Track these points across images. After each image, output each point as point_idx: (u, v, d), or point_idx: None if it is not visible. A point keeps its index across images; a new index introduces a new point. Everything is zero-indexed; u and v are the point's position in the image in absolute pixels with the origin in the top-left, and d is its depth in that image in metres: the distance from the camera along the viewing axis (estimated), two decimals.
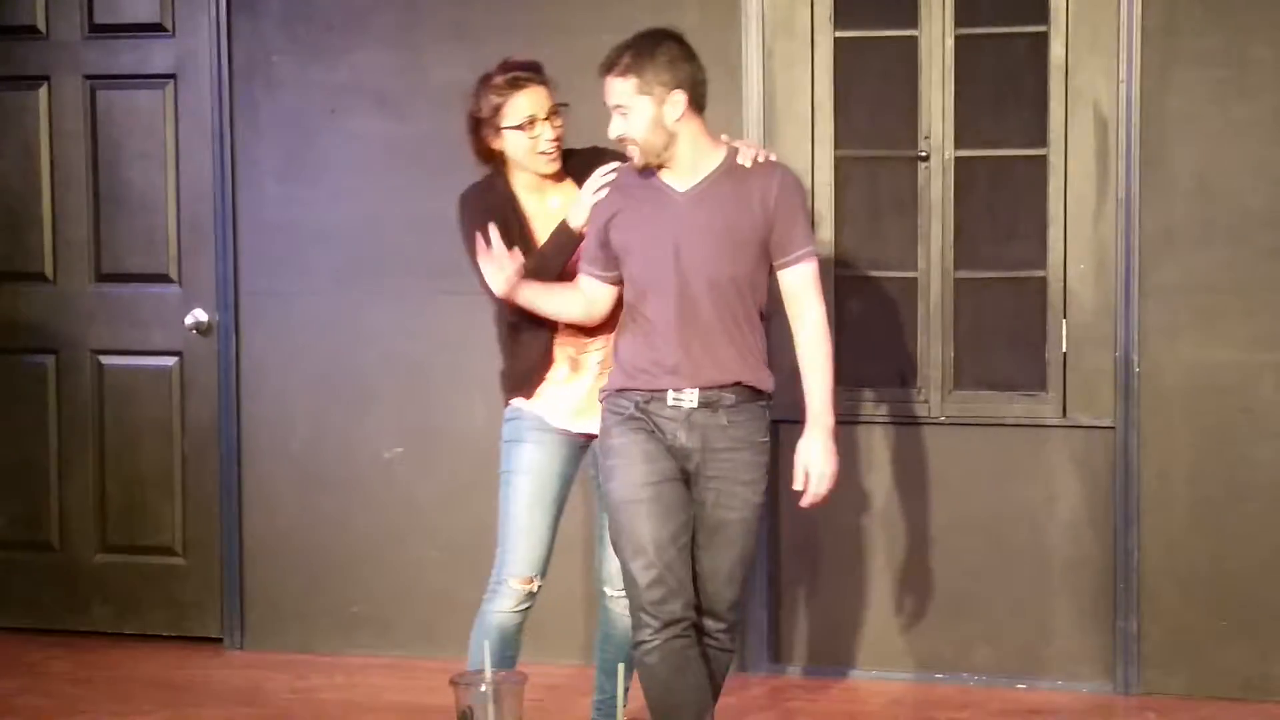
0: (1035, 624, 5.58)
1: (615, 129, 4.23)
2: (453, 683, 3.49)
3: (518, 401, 4.55)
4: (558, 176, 4.56)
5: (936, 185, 5.56)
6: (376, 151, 5.97)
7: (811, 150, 5.65)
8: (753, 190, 4.20)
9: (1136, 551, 5.44)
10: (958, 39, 5.53)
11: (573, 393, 4.53)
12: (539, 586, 4.54)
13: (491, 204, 4.49)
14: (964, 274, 5.58)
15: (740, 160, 4.25)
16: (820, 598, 5.75)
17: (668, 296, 4.22)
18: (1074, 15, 5.44)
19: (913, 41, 5.57)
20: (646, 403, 4.24)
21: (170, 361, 6.25)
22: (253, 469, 6.14)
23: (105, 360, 6.33)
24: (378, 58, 5.95)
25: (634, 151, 4.23)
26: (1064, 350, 5.51)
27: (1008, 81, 5.57)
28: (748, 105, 5.65)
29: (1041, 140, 5.49)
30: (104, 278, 6.32)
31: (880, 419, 5.66)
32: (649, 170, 4.26)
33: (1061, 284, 5.49)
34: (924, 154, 5.57)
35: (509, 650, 4.51)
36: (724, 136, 4.35)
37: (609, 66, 4.23)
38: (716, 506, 4.26)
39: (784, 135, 5.66)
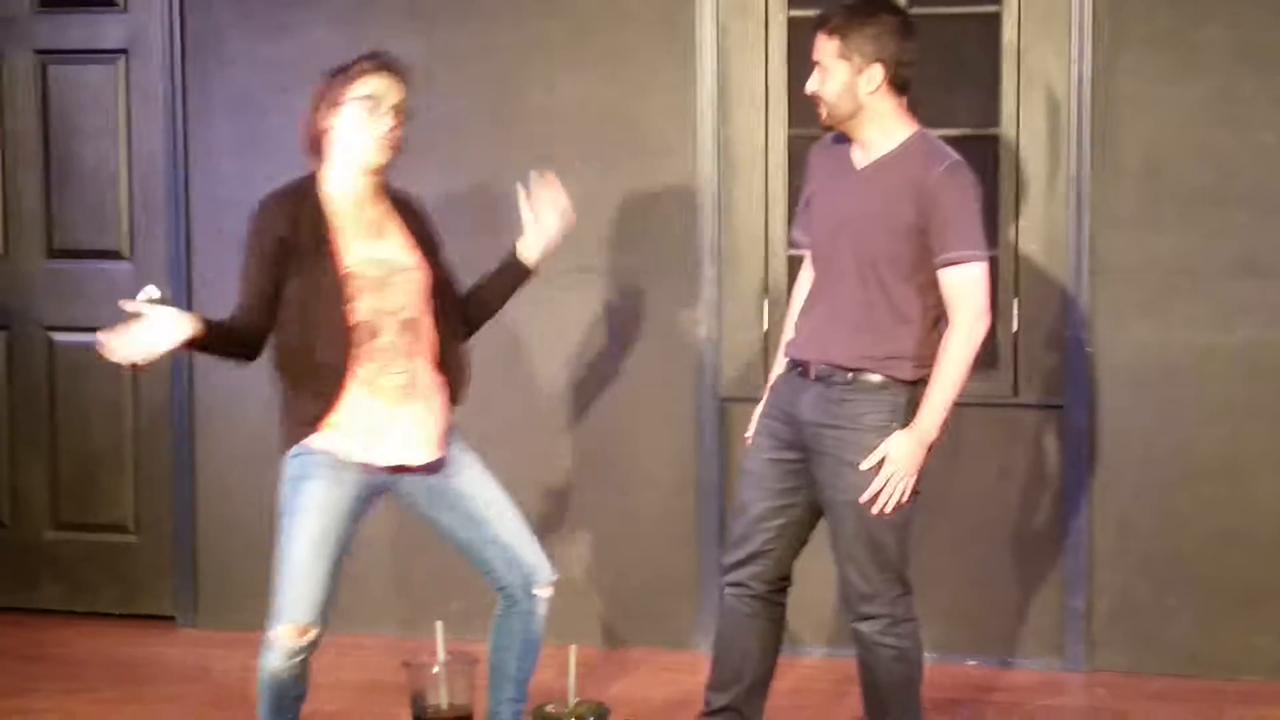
0: (985, 601, 5.63)
1: (811, 84, 4.22)
2: (405, 665, 3.50)
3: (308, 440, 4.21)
4: (380, 198, 4.32)
5: None
6: None
7: (765, 129, 5.67)
8: (914, 178, 4.09)
9: (1086, 530, 5.49)
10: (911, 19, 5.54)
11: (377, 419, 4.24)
12: (316, 635, 4.19)
13: (295, 213, 4.20)
14: None
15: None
16: None
17: (820, 267, 4.27)
18: None
19: None
20: (786, 371, 4.32)
21: None
22: (206, 446, 6.14)
23: (57, 337, 6.32)
24: (330, 35, 5.93)
25: (822, 110, 4.21)
26: (1015, 329, 5.54)
27: (960, 62, 5.60)
28: (702, 84, 5.66)
29: (993, 120, 5.52)
30: (56, 254, 6.30)
31: None
32: (845, 140, 4.24)
33: (1013, 263, 5.53)
34: None
35: (287, 701, 4.22)
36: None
37: (821, 21, 4.22)
38: (826, 486, 4.22)
39: (738, 114, 5.68)
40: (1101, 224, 5.43)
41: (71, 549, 6.34)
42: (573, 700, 3.40)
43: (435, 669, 3.45)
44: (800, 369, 4.28)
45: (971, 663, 5.61)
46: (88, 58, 6.20)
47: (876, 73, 4.12)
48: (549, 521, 5.86)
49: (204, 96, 6.05)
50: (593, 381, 5.86)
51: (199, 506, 6.16)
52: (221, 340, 4.13)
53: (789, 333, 4.43)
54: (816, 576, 5.70)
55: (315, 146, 4.30)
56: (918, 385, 4.15)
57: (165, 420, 6.18)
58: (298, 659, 4.16)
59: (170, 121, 6.07)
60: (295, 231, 4.18)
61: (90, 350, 6.23)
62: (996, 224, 5.47)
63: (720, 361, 5.75)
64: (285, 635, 4.13)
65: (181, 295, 6.09)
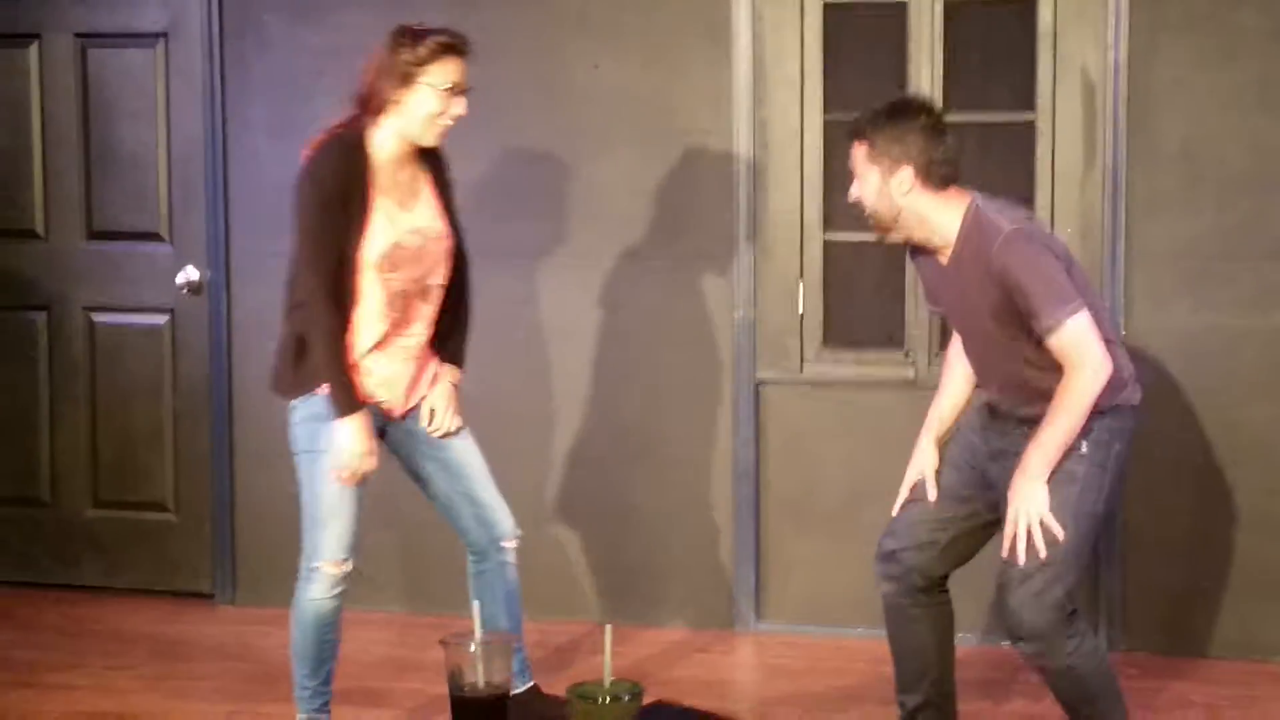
0: None
1: (852, 192, 4.22)
2: (443, 643, 3.53)
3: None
4: (415, 157, 4.39)
5: None
6: None
7: (801, 114, 5.68)
8: (982, 265, 4.06)
9: (1120, 512, 5.49)
10: (947, 5, 5.56)
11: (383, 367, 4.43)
12: (352, 567, 4.44)
13: (351, 169, 4.27)
14: None
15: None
16: (807, 556, 5.81)
17: (969, 344, 4.31)
18: None
19: (902, 7, 5.60)
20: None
21: (161, 320, 6.28)
22: (244, 426, 6.18)
23: (96, 317, 6.37)
24: (370, 18, 5.93)
25: (869, 217, 4.20)
26: None
27: (996, 47, 5.60)
28: (738, 69, 5.68)
29: (1029, 105, 5.52)
30: (95, 235, 6.34)
31: (868, 381, 5.71)
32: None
33: None
34: None
35: (328, 635, 4.45)
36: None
37: (851, 128, 4.22)
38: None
39: (773, 99, 5.69)
40: (1137, 209, 5.43)
41: (111, 527, 6.39)
42: (608, 679, 3.41)
43: (473, 647, 3.47)
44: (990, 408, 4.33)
45: (1008, 644, 5.61)
46: (127, 41, 6.23)
47: (906, 175, 4.09)
48: (586, 502, 5.90)
49: (243, 80, 6.09)
50: (629, 363, 5.88)
51: (237, 485, 6.21)
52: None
53: (953, 378, 4.48)
54: (858, 558, 5.73)
55: (371, 107, 4.32)
56: (1105, 414, 4.12)
57: (204, 400, 6.23)
58: (338, 589, 4.40)
59: (209, 105, 6.10)
60: (347, 186, 4.26)
61: (129, 330, 6.35)
62: (1033, 208, 5.46)
63: (756, 344, 5.77)
64: (326, 568, 4.36)
65: (220, 277, 6.13)
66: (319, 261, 4.25)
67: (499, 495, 4.60)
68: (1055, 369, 4.06)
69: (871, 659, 5.51)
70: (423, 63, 4.24)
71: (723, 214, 5.74)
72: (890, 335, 5.72)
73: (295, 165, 5.96)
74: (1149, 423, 5.42)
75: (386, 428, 4.50)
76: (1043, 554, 4.04)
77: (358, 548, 4.43)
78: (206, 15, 6.08)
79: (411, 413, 4.52)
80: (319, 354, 4.28)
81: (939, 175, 4.11)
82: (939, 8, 5.55)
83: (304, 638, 4.45)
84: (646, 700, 3.50)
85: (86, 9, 6.26)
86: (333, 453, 4.32)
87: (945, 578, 4.41)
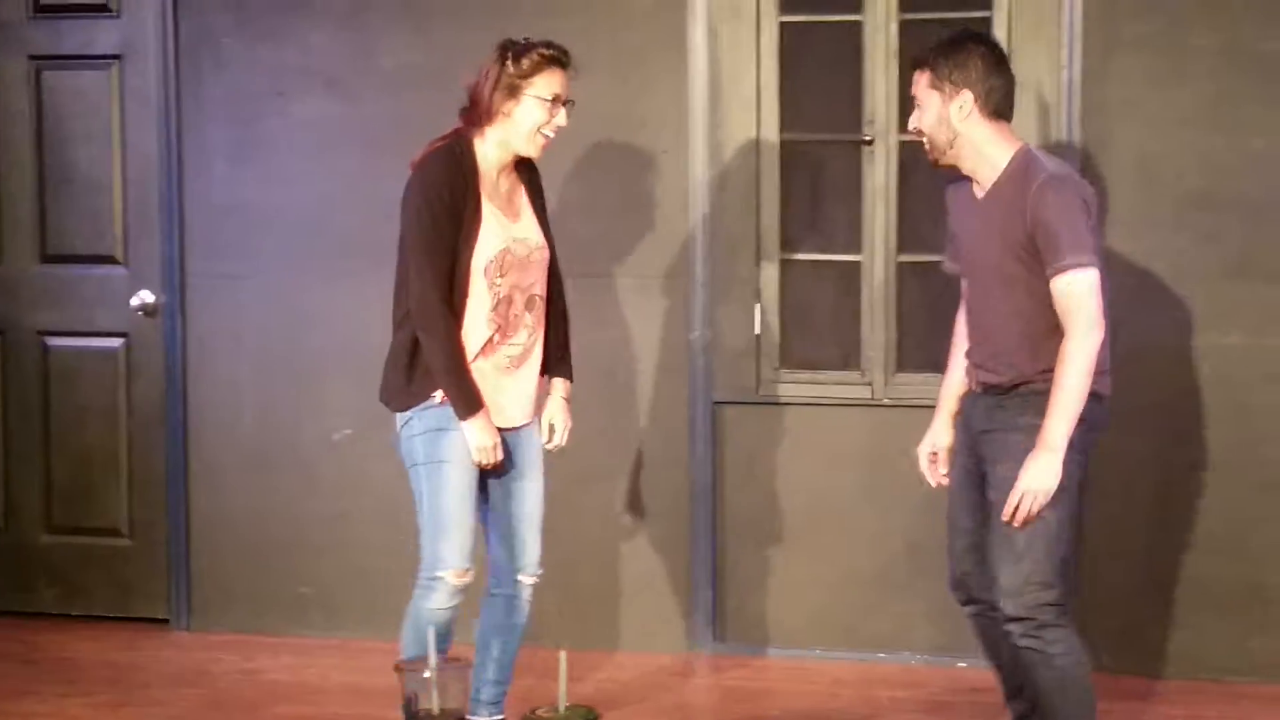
0: None
1: (912, 121, 4.38)
2: (398, 669, 3.52)
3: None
4: (513, 168, 4.54)
5: (880, 169, 5.61)
6: (325, 134, 5.97)
7: (757, 133, 5.68)
8: (1019, 196, 4.20)
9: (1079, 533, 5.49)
10: (901, 24, 5.57)
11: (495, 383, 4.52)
12: (471, 578, 4.52)
13: (461, 178, 4.40)
14: (907, 258, 5.63)
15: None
16: (765, 577, 5.80)
17: (973, 292, 4.41)
18: (1016, 1, 5.49)
19: (857, 26, 5.61)
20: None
21: (116, 343, 6.25)
22: (199, 450, 6.15)
23: (51, 341, 6.33)
24: (327, 40, 5.95)
25: (926, 145, 4.36)
26: None
27: None
28: (694, 87, 5.68)
29: None
30: (49, 258, 6.31)
31: (824, 401, 5.71)
32: (967, 180, 4.37)
33: None
34: (868, 138, 5.61)
35: (444, 645, 4.45)
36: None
37: (915, 59, 4.37)
38: (989, 488, 4.34)
39: (729, 118, 5.70)
40: None
41: (66, 553, 6.34)
42: (563, 704, 3.41)
43: (427, 673, 3.46)
44: (969, 381, 4.47)
45: (963, 664, 5.62)
46: (81, 63, 6.21)
47: (966, 99, 4.25)
48: (542, 525, 5.88)
49: (198, 101, 6.06)
50: (586, 384, 5.84)
51: (192, 510, 6.17)
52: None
53: (958, 354, 4.57)
54: (814, 579, 5.73)
55: (478, 119, 4.45)
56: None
57: (159, 424, 6.19)
58: (458, 599, 4.48)
59: (164, 127, 6.08)
60: (457, 194, 4.37)
61: (83, 354, 6.31)
62: None
63: (713, 365, 5.76)
64: (450, 578, 4.43)
65: (175, 300, 6.10)
66: (431, 268, 4.35)
67: (538, 536, 4.69)
68: (1040, 331, 4.21)
69: (830, 680, 5.52)
70: (527, 75, 4.39)
71: (680, 234, 5.74)
72: (847, 356, 5.72)
73: (251, 187, 6.02)
74: (1105, 441, 5.46)
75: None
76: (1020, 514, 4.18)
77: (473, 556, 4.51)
78: (161, 38, 6.06)
79: (509, 432, 4.55)
80: (436, 358, 4.37)
81: (995, 104, 4.27)
82: (894, 26, 5.57)
83: (418, 648, 4.40)
84: None
85: (40, 31, 6.23)
86: (455, 457, 4.41)
87: None
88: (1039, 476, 4.15)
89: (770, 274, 5.73)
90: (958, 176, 4.40)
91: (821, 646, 5.74)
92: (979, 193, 4.34)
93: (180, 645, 6.06)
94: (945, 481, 4.56)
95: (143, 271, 6.18)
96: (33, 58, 6.24)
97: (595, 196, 5.77)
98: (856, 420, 5.68)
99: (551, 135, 4.46)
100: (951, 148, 4.30)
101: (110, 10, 6.15)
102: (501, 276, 4.43)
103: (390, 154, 5.81)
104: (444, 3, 5.84)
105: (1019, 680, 4.51)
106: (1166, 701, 5.31)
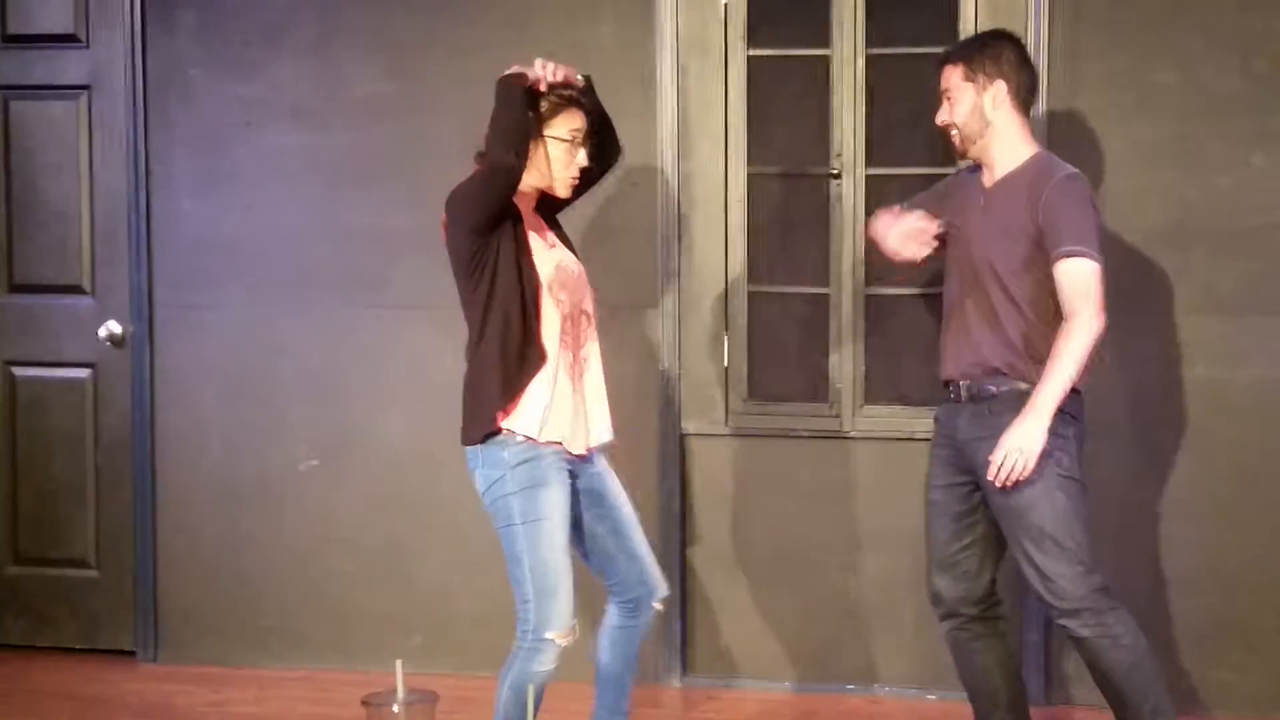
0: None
1: (941, 115, 4.53)
2: (365, 703, 3.51)
3: (527, 440, 4.32)
4: (548, 212, 4.57)
5: (848, 202, 5.63)
6: (293, 164, 5.97)
7: (725, 166, 5.70)
8: (1033, 186, 4.35)
9: None
10: (869, 59, 5.60)
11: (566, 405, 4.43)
12: (577, 635, 4.44)
13: (502, 204, 4.34)
14: (875, 290, 5.64)
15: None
16: (734, 609, 5.80)
17: (951, 282, 4.53)
18: None
19: (825, 61, 5.63)
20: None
21: (84, 373, 6.23)
22: (166, 481, 6.13)
23: (18, 371, 6.31)
24: (294, 70, 5.95)
25: (955, 137, 4.50)
26: None
27: (918, 100, 5.63)
28: (662, 121, 5.70)
29: (950, 159, 5.55)
30: (17, 288, 6.29)
31: (792, 433, 5.72)
32: (977, 168, 4.52)
33: None
34: (836, 171, 5.63)
35: (538, 703, 4.34)
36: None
37: (944, 56, 4.56)
38: (986, 493, 4.42)
39: (697, 151, 5.71)
40: None
41: (32, 584, 6.32)
42: None
43: (395, 707, 3.45)
44: (951, 391, 4.52)
45: (932, 697, 5.63)
46: (50, 94, 6.20)
47: (1000, 89, 4.43)
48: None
49: (166, 132, 6.06)
50: None
51: (160, 541, 6.15)
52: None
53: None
54: (783, 611, 5.73)
55: None
56: (1078, 391, 4.40)
57: (126, 455, 6.18)
58: (560, 659, 4.38)
59: (132, 157, 6.07)
60: (501, 213, 4.32)
61: (50, 384, 6.29)
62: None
63: (681, 397, 5.77)
64: (558, 639, 4.35)
65: (143, 330, 6.09)
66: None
67: (653, 555, 4.66)
68: (1022, 329, 4.33)
69: (800, 713, 5.51)
70: (545, 118, 4.39)
71: (647, 266, 5.75)
72: (815, 388, 5.73)
73: (219, 217, 6.01)
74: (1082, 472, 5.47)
75: (577, 473, 4.47)
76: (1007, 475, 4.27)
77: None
78: (130, 69, 6.05)
79: (591, 457, 4.50)
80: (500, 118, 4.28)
81: (1023, 97, 4.47)
82: (861, 61, 5.59)
83: (518, 710, 4.36)
84: None
85: (8, 61, 6.22)
86: (553, 514, 4.32)
87: (992, 591, 4.60)
88: (1024, 437, 4.24)
89: (739, 306, 5.74)
90: (974, 167, 4.56)
91: (790, 679, 5.75)
92: (988, 181, 4.47)
93: (147, 677, 6.03)
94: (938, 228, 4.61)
95: (110, 302, 6.17)
96: (1, 88, 6.24)
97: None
98: (825, 452, 5.68)
99: (576, 176, 4.47)
100: (982, 137, 4.46)
101: (79, 41, 6.15)
102: (562, 291, 4.42)
103: (358, 184, 5.86)
104: (412, 34, 5.85)
105: (994, 702, 4.57)
106: None
